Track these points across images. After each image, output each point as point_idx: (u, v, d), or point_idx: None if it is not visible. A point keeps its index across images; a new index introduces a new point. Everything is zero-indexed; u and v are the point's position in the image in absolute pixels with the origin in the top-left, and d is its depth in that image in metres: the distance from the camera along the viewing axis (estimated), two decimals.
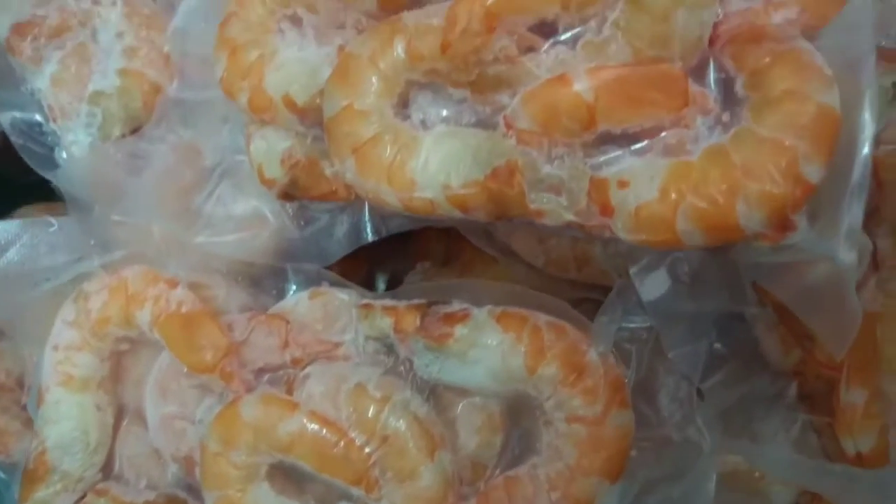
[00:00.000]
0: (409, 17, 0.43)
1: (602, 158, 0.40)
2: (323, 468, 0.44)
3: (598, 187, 0.40)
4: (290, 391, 0.46)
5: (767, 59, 0.38)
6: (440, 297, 0.46)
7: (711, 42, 0.39)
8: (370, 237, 0.53)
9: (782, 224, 0.37)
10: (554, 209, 0.40)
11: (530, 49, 0.41)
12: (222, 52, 0.50)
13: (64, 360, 0.50)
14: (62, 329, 0.51)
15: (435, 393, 0.46)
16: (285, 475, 0.47)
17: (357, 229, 0.53)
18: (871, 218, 0.46)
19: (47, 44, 0.59)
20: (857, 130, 0.38)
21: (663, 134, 0.40)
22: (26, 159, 0.58)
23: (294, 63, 0.48)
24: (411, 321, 0.45)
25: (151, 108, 0.58)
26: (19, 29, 0.59)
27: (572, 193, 0.40)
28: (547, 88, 0.40)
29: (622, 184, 0.39)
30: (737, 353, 0.49)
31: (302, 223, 0.53)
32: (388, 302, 0.47)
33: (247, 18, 0.50)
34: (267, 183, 0.50)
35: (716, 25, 0.39)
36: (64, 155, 0.58)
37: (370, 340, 0.47)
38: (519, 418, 0.46)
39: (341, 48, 0.47)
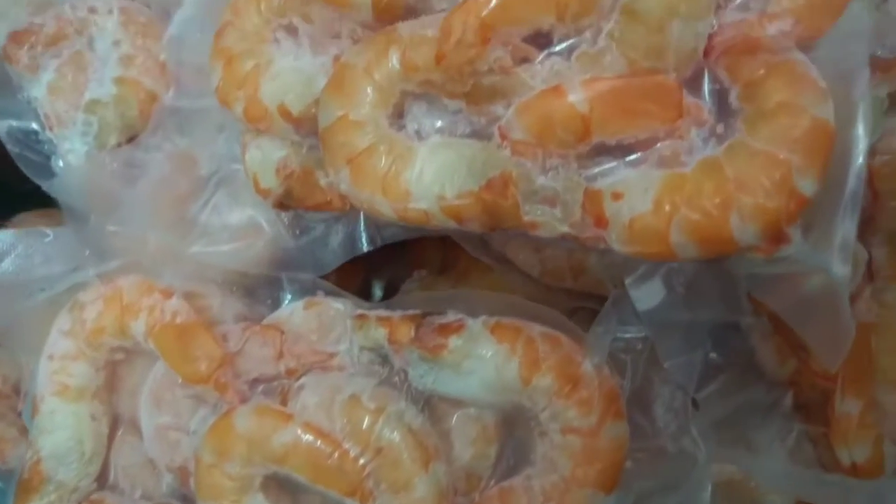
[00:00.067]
0: (405, 28, 0.43)
1: (596, 170, 0.40)
2: (317, 479, 0.44)
3: (592, 199, 0.40)
4: (284, 402, 0.46)
5: (762, 71, 0.38)
6: (435, 308, 0.46)
7: (706, 53, 0.39)
8: (365, 247, 0.52)
9: (776, 237, 0.37)
10: (548, 221, 0.40)
11: (525, 60, 0.41)
12: (218, 62, 0.50)
13: (59, 369, 0.50)
14: (57, 339, 0.51)
15: (430, 404, 0.46)
16: (280, 486, 0.47)
17: (352, 239, 0.53)
18: (867, 228, 0.46)
19: (44, 52, 0.59)
20: (851, 143, 0.38)
21: (658, 145, 0.40)
22: (22, 168, 0.58)
23: (289, 73, 0.48)
24: (406, 332, 0.45)
25: (147, 117, 0.58)
26: (16, 37, 0.59)
27: (566, 205, 0.40)
28: (541, 100, 0.40)
29: (616, 195, 0.39)
30: (732, 363, 0.49)
31: (297, 232, 0.53)
32: (383, 312, 0.47)
33: (242, 28, 0.50)
34: (262, 193, 0.50)
35: (711, 37, 0.39)
36: (60, 163, 0.58)
37: (365, 351, 0.47)
38: (514, 429, 0.46)
39: (337, 58, 0.47)
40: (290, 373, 0.47)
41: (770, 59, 0.38)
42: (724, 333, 0.48)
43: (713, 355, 0.48)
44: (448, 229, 0.44)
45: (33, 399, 0.52)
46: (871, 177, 0.45)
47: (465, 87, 0.42)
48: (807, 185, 0.36)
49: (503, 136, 0.41)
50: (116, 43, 0.58)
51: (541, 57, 0.41)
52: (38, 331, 0.52)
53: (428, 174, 0.42)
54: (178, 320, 0.48)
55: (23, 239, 0.54)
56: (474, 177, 0.41)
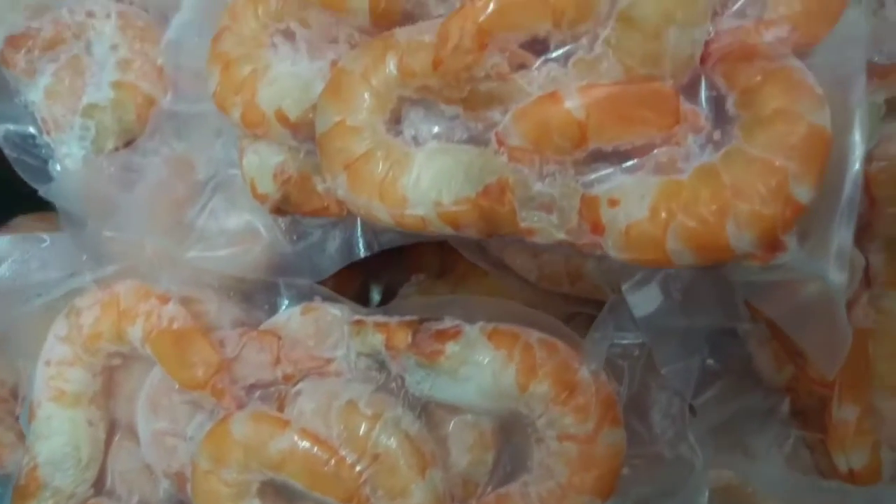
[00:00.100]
0: (402, 34, 0.43)
1: (593, 176, 0.40)
2: (314, 486, 0.44)
3: (588, 205, 0.39)
4: (281, 408, 0.46)
5: (759, 78, 0.38)
6: (432, 314, 0.46)
7: (703, 60, 0.39)
8: (362, 252, 0.52)
9: (772, 244, 0.37)
10: (545, 227, 0.40)
11: (522, 66, 0.41)
12: (215, 67, 0.50)
13: (56, 375, 0.50)
14: (54, 344, 0.51)
15: (427, 410, 0.46)
16: (276, 493, 0.47)
17: (349, 245, 0.53)
18: (864, 234, 0.46)
19: (41, 56, 0.59)
20: (848, 149, 0.37)
21: (655, 152, 0.39)
22: (20, 172, 0.58)
23: (287, 78, 0.48)
24: (403, 338, 0.45)
25: (145, 121, 0.58)
26: (13, 41, 0.59)
27: (563, 212, 0.40)
28: (538, 106, 0.40)
29: (613, 202, 0.39)
30: (729, 369, 0.49)
31: (294, 238, 0.53)
32: (380, 318, 0.47)
33: (240, 32, 0.50)
34: (259, 198, 0.50)
35: (707, 43, 0.39)
36: (58, 167, 0.58)
37: (362, 357, 0.47)
38: (511, 435, 0.46)
39: (334, 63, 0.47)
40: (287, 378, 0.47)
41: (767, 66, 0.38)
42: (721, 339, 0.48)
43: (710, 361, 0.48)
44: (445, 235, 0.44)
45: (30, 404, 0.52)
46: (869, 183, 0.45)
47: (462, 93, 0.42)
48: (803, 193, 0.36)
49: (500, 142, 0.41)
50: (114, 47, 0.58)
51: (538, 63, 0.41)
52: (36, 336, 0.52)
53: (425, 180, 0.42)
54: (175, 326, 0.48)
55: (19, 244, 0.54)
56: (471, 183, 0.41)
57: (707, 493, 0.46)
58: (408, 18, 0.44)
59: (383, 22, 0.44)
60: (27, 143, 0.59)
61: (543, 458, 0.44)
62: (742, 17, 0.39)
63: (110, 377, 0.53)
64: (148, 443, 0.50)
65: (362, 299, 0.69)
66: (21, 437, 0.58)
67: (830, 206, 0.37)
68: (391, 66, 0.42)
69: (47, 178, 0.58)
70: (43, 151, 0.59)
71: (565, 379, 0.43)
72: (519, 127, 0.40)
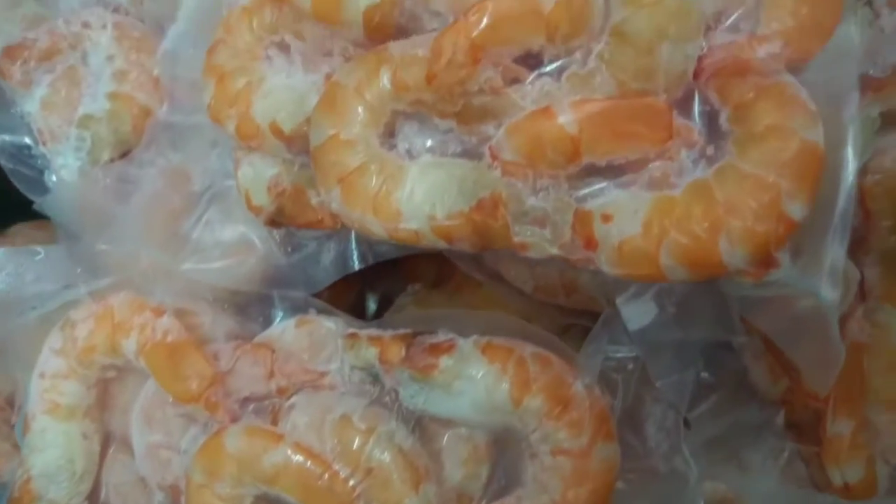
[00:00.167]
0: (395, 48, 0.43)
1: (587, 190, 0.40)
2: (307, 500, 0.44)
3: (582, 220, 0.39)
4: (275, 421, 0.46)
5: (752, 94, 0.38)
6: (426, 327, 0.46)
7: (696, 75, 0.39)
8: (357, 265, 0.52)
9: (765, 261, 0.37)
10: (538, 242, 0.40)
11: (515, 80, 0.41)
12: (210, 79, 0.50)
13: (50, 388, 0.50)
14: (49, 357, 0.51)
15: (421, 424, 0.46)
16: None
17: (344, 257, 0.53)
18: (859, 247, 0.46)
19: (37, 67, 0.59)
20: (841, 165, 0.37)
21: (648, 166, 0.39)
22: (16, 183, 0.58)
23: (281, 90, 0.48)
24: (396, 352, 0.45)
25: (141, 132, 0.58)
26: (9, 52, 0.59)
27: (556, 226, 0.40)
28: (531, 121, 0.40)
29: (606, 217, 0.39)
30: (724, 382, 0.49)
31: (289, 249, 0.53)
32: (374, 332, 0.46)
33: (234, 45, 0.50)
34: (254, 210, 0.50)
35: (700, 59, 0.39)
36: (54, 178, 0.58)
37: (356, 370, 0.47)
38: (505, 450, 0.46)
39: (328, 76, 0.47)
40: (280, 392, 0.47)
41: (760, 82, 0.38)
42: (716, 352, 0.48)
43: (705, 374, 0.48)
44: (439, 248, 0.44)
45: (25, 417, 0.52)
46: (863, 196, 0.45)
47: (456, 107, 0.42)
48: (796, 210, 0.36)
49: (494, 156, 0.41)
50: (110, 58, 0.58)
51: (531, 77, 0.41)
52: (31, 348, 0.52)
53: (418, 194, 0.42)
54: (170, 339, 0.48)
55: (14, 257, 0.54)
56: (465, 197, 0.41)
57: None
58: (402, 32, 0.44)
59: (377, 35, 0.44)
60: (23, 154, 0.59)
61: (537, 473, 0.43)
62: (735, 32, 0.39)
63: (105, 389, 0.53)
64: (142, 455, 0.50)
65: (358, 308, 0.69)
66: (17, 446, 0.57)
67: (824, 223, 0.37)
68: (385, 80, 0.42)
69: (43, 189, 0.58)
70: (39, 162, 0.59)
71: (559, 393, 0.43)
72: (512, 141, 0.40)
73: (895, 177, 0.46)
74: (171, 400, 0.48)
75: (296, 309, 0.51)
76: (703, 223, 0.37)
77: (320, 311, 0.51)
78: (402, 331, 0.46)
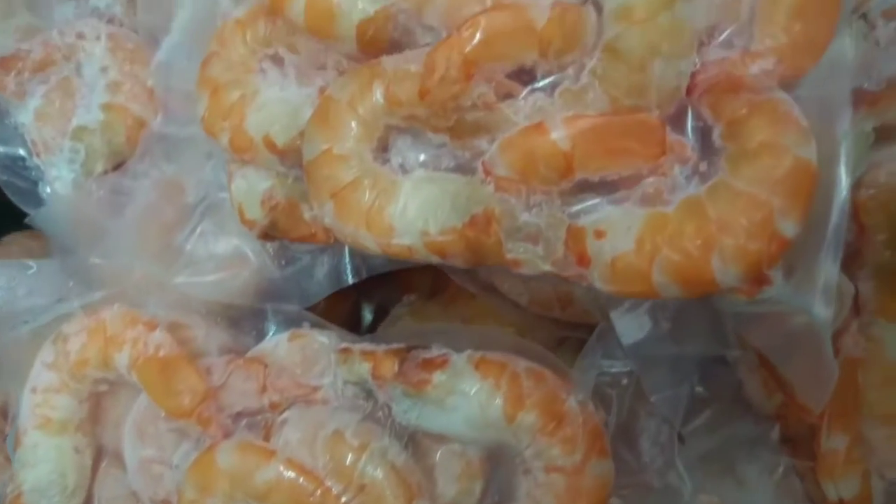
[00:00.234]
0: (388, 62, 0.43)
1: (580, 206, 0.40)
2: None
3: (574, 236, 0.39)
4: (268, 436, 0.46)
5: (744, 110, 0.37)
6: (420, 342, 0.46)
7: (689, 91, 0.39)
8: (351, 279, 0.52)
9: (757, 279, 0.36)
10: (531, 259, 0.40)
11: (508, 96, 0.41)
12: (204, 92, 0.50)
13: (42, 402, 0.50)
14: (41, 371, 0.50)
15: (414, 439, 0.45)
16: None
17: (338, 270, 0.52)
18: (853, 261, 0.46)
19: (31, 78, 0.59)
20: (834, 182, 0.37)
21: (641, 182, 0.39)
22: (9, 195, 0.58)
23: (275, 104, 0.48)
24: (390, 367, 0.44)
25: (135, 143, 0.58)
26: (3, 63, 0.59)
27: (549, 242, 0.40)
28: (524, 136, 0.40)
29: (599, 233, 0.39)
30: (719, 396, 0.49)
31: (283, 263, 0.53)
32: (367, 346, 0.46)
33: (228, 58, 0.50)
34: (247, 223, 0.50)
35: (693, 75, 0.38)
36: (48, 190, 0.58)
37: (349, 385, 0.46)
38: (498, 466, 0.46)
39: (322, 89, 0.46)
40: (273, 406, 0.47)
41: (753, 98, 0.37)
42: (711, 367, 0.48)
43: (699, 389, 0.48)
44: (432, 263, 0.44)
45: (16, 432, 0.51)
46: (858, 210, 0.45)
47: (449, 122, 0.41)
48: (789, 227, 0.36)
49: (487, 172, 0.41)
50: (104, 69, 0.58)
51: (524, 93, 0.41)
52: (24, 362, 0.52)
53: (411, 209, 0.42)
54: (162, 353, 0.48)
55: (6, 271, 0.54)
56: (458, 213, 0.41)
57: None
58: (395, 46, 0.43)
59: (371, 49, 0.44)
60: (17, 166, 0.59)
61: (531, 489, 0.43)
62: (728, 48, 0.39)
63: (97, 403, 0.53)
64: (134, 470, 0.50)
65: (354, 319, 0.69)
66: (10, 458, 0.57)
67: (817, 240, 0.37)
68: (378, 94, 0.42)
69: (38, 200, 0.58)
70: (33, 174, 0.59)
71: (553, 409, 0.43)
72: (505, 157, 0.40)
73: (890, 191, 0.46)
74: (163, 415, 0.48)
75: (289, 322, 0.51)
76: (696, 241, 0.36)
77: (314, 325, 0.50)
78: (395, 345, 0.46)
